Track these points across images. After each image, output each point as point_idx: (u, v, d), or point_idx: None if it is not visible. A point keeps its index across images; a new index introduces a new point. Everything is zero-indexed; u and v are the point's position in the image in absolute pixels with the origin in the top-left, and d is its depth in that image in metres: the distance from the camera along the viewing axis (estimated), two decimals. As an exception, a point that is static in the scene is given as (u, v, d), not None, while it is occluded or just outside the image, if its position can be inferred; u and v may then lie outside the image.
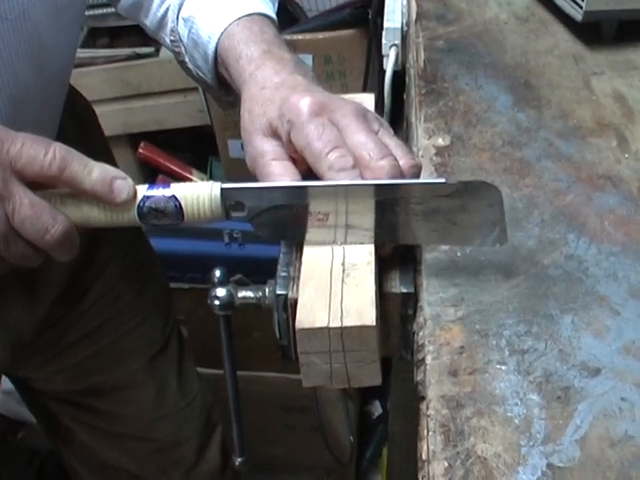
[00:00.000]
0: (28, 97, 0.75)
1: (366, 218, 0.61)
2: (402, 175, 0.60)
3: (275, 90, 0.66)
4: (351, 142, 0.61)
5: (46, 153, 0.57)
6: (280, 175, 0.63)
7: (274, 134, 0.65)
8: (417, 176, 0.63)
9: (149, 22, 0.86)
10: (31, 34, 0.72)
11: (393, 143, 0.62)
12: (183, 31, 0.81)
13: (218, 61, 0.77)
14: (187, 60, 0.82)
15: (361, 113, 0.64)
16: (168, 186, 0.60)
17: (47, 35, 0.74)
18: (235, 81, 0.73)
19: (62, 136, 0.86)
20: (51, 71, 0.78)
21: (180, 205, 0.60)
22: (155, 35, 0.88)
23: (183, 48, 0.82)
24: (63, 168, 0.58)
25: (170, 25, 0.83)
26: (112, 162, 1.07)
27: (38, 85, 0.76)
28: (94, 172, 0.58)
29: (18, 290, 0.89)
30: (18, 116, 0.73)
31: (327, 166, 0.60)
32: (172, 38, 0.84)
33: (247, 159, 0.67)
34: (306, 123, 0.61)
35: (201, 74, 0.81)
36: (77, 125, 0.96)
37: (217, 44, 0.75)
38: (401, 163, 0.60)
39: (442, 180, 0.59)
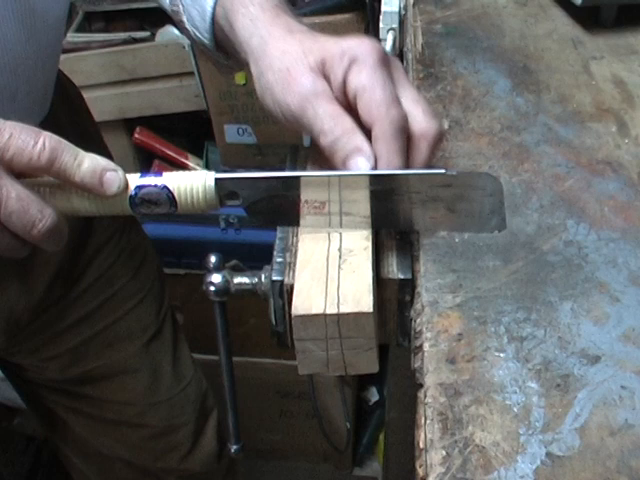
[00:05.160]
0: (20, 64, 0.73)
1: (363, 206, 0.60)
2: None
3: (309, 33, 0.64)
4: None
5: (35, 144, 0.56)
6: (341, 115, 0.60)
7: (323, 73, 0.62)
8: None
9: None
10: None
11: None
12: None
13: (217, 15, 0.72)
14: (185, 20, 0.78)
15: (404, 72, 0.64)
16: (160, 174, 0.59)
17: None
18: (242, 30, 0.68)
19: (54, 118, 0.85)
20: (42, 38, 0.76)
21: (173, 195, 0.59)
22: None
23: (181, 6, 0.78)
24: (53, 160, 0.56)
25: None
26: (103, 145, 1.06)
27: (29, 52, 0.74)
28: (84, 164, 0.57)
29: (14, 271, 0.89)
30: (10, 84, 0.72)
31: (388, 120, 0.59)
32: None
33: (291, 102, 0.62)
34: (375, 67, 0.60)
35: (199, 34, 0.76)
36: (69, 108, 0.95)
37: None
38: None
39: (441, 170, 0.58)
